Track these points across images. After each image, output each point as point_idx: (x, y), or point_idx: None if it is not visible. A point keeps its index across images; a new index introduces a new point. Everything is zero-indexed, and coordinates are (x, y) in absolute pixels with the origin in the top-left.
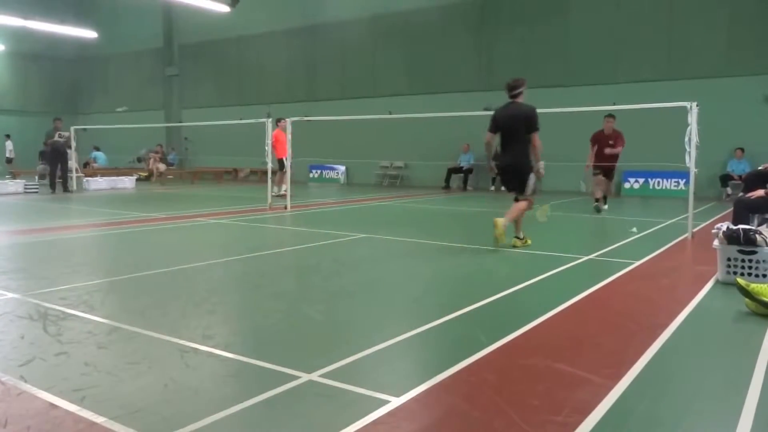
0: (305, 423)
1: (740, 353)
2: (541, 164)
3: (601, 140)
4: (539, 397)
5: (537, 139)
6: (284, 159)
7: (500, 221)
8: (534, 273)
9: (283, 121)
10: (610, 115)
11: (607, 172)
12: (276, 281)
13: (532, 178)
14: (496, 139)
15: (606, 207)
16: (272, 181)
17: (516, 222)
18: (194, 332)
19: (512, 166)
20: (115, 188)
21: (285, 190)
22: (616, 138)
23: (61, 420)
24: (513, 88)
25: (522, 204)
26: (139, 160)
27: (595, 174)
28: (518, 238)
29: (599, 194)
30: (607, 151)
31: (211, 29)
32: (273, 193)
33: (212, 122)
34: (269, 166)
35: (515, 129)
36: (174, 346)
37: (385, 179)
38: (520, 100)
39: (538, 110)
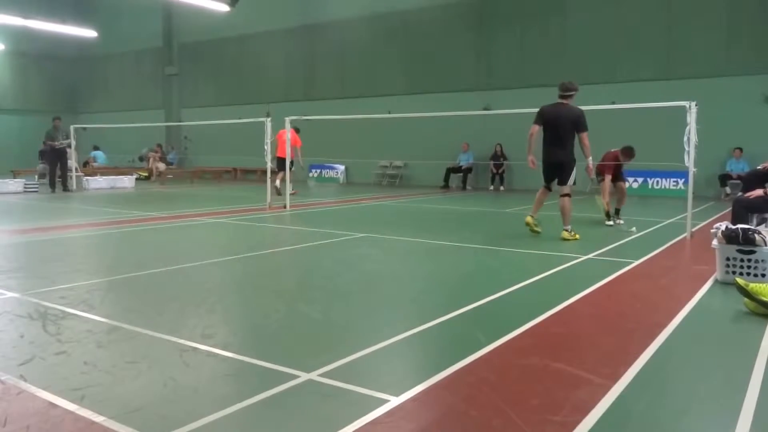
0: (304, 422)
1: (739, 353)
2: (590, 160)
3: (615, 164)
4: (538, 396)
5: (586, 138)
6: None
7: (564, 234)
8: (533, 272)
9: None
10: (632, 154)
11: (616, 175)
12: (275, 280)
13: (574, 171)
14: (540, 133)
15: (621, 221)
16: (278, 180)
17: (565, 217)
18: (193, 331)
19: (560, 163)
20: (115, 187)
21: (293, 190)
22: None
23: (61, 419)
24: (566, 89)
25: (567, 202)
26: (141, 159)
27: (600, 181)
28: (565, 230)
29: (608, 205)
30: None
31: (211, 29)
32: (277, 186)
33: (212, 121)
34: (268, 165)
35: (564, 129)
36: (173, 345)
37: (385, 179)
38: (568, 101)
39: (537, 109)
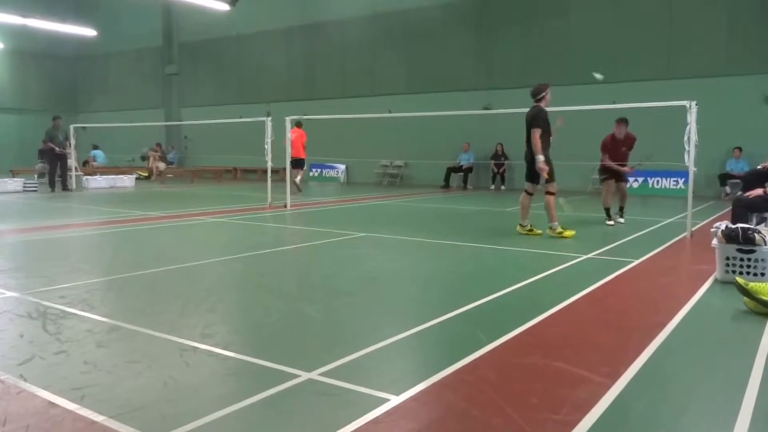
0: (305, 421)
1: (738, 352)
2: (539, 158)
3: (613, 146)
4: (538, 395)
5: (533, 135)
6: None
7: (548, 231)
8: (533, 272)
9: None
10: (623, 120)
11: (619, 176)
12: (275, 280)
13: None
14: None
15: (622, 220)
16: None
17: (548, 213)
18: (194, 331)
19: (527, 161)
20: (115, 187)
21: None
22: (630, 142)
23: (61, 418)
24: (534, 94)
25: (548, 200)
26: (143, 158)
27: (603, 180)
28: (550, 227)
29: (609, 203)
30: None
31: (211, 28)
32: (296, 183)
33: (212, 121)
34: (269, 165)
35: (527, 129)
36: (173, 344)
37: (385, 178)
38: (542, 104)
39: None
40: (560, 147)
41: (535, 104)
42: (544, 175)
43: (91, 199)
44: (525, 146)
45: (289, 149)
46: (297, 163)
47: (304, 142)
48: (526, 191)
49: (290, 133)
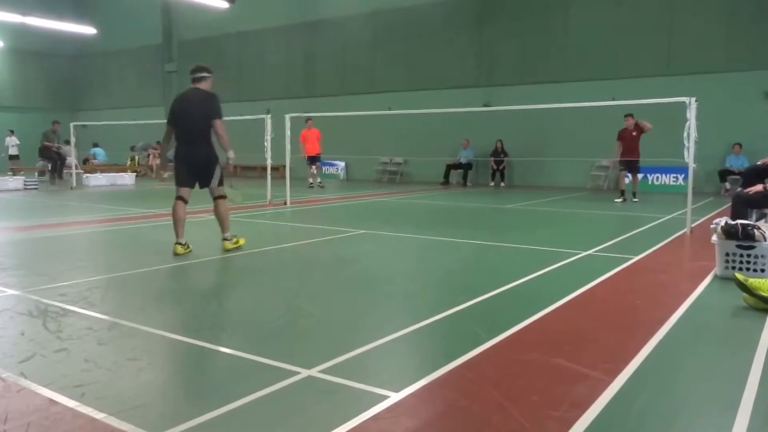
0: (305, 419)
1: (738, 348)
2: (231, 153)
3: (625, 136)
4: (538, 392)
5: (220, 126)
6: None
7: (226, 244)
8: (533, 268)
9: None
10: (629, 114)
11: (632, 168)
12: (275, 277)
13: (218, 169)
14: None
15: (636, 200)
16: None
17: (223, 223)
18: (194, 328)
19: (207, 162)
20: (115, 185)
21: (319, 182)
22: (638, 131)
23: (62, 416)
24: (195, 71)
25: (223, 206)
26: (132, 148)
27: (621, 170)
28: (226, 239)
29: (623, 187)
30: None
31: (211, 25)
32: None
33: None
34: (269, 162)
35: (199, 118)
36: (174, 342)
37: (385, 175)
38: (202, 86)
39: (539, 106)
40: (560, 144)
41: (194, 86)
42: (230, 170)
43: (92, 196)
44: (197, 142)
45: (288, 146)
46: (314, 159)
47: (318, 137)
48: (181, 198)
49: (306, 131)
